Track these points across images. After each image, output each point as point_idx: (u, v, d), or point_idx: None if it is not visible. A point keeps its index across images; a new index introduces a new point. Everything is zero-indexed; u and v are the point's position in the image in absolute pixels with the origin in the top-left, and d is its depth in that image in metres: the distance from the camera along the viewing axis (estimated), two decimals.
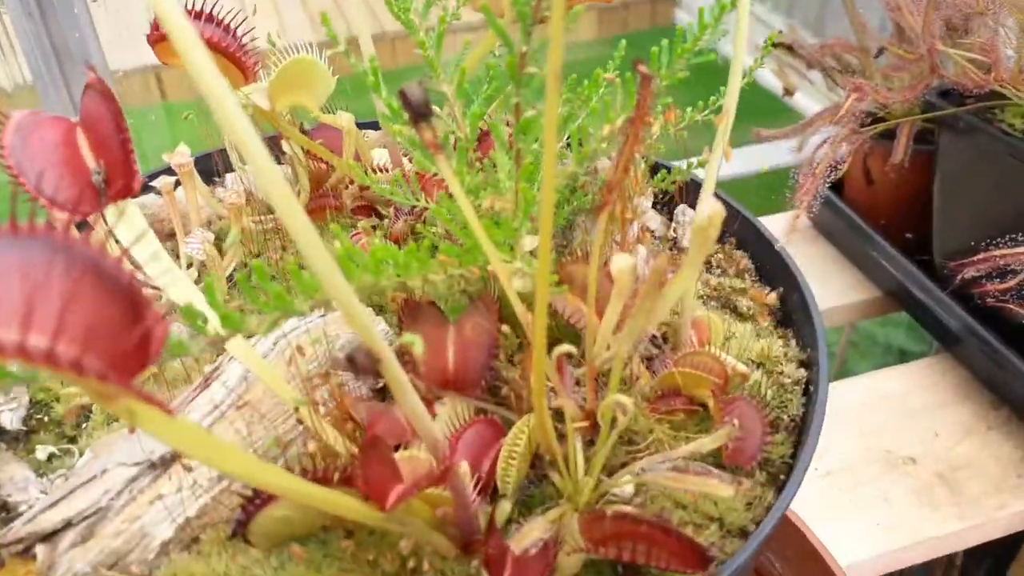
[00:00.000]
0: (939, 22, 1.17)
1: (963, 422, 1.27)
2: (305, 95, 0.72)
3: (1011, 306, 0.97)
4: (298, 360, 0.59)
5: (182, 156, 0.78)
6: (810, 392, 0.63)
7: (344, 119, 0.79)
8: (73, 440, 0.64)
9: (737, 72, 0.58)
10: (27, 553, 0.52)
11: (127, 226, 0.53)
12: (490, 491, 0.54)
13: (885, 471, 1.22)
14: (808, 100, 2.12)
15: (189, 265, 0.78)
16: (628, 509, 0.51)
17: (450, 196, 0.59)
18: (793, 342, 0.71)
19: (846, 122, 1.14)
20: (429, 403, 0.56)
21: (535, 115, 0.52)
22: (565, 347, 0.49)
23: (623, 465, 0.55)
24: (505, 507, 0.53)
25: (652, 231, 0.87)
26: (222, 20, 0.67)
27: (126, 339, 0.31)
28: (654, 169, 0.79)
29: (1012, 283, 0.95)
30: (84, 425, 0.65)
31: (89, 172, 0.52)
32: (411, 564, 0.50)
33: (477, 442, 0.55)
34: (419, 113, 0.48)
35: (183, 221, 0.81)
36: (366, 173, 0.72)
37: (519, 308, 0.54)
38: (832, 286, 1.55)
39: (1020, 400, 1.23)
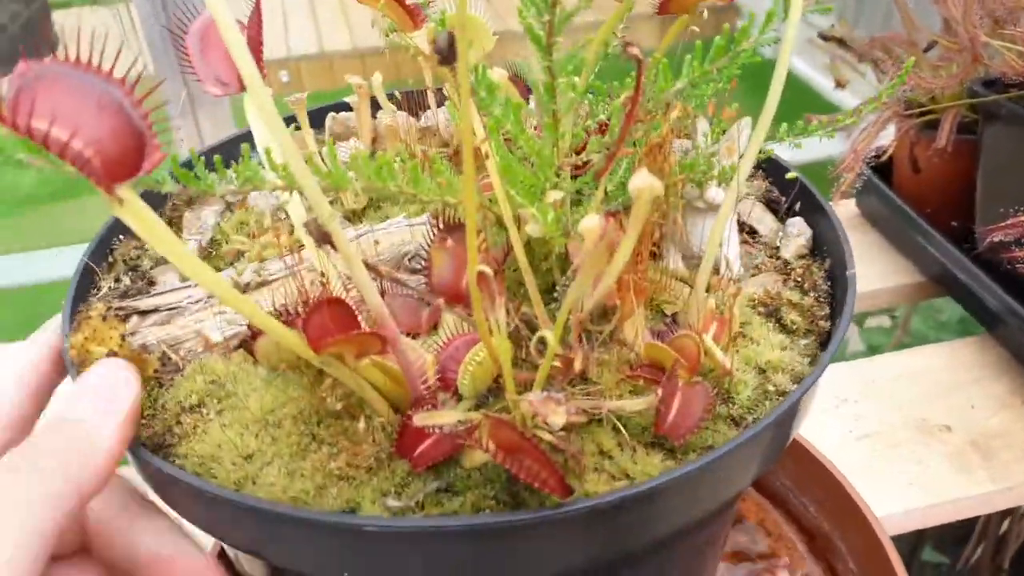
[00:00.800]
0: (981, 14, 1.24)
1: (999, 396, 1.33)
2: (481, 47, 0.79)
3: None
4: (376, 249, 0.73)
5: (358, 79, 0.91)
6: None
7: (497, 73, 0.87)
8: (220, 271, 0.79)
9: (781, 74, 0.63)
10: (126, 319, 0.72)
11: (255, 104, 0.68)
12: (456, 391, 0.61)
13: (920, 437, 1.28)
14: (856, 99, 2.18)
15: None
16: (518, 426, 0.54)
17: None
18: (807, 360, 0.70)
19: (888, 105, 1.21)
20: (437, 310, 0.65)
21: (556, 83, 0.62)
22: (482, 267, 0.53)
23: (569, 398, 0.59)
24: (461, 404, 0.60)
25: (754, 232, 0.87)
26: None
27: (120, 151, 0.45)
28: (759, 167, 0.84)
29: None
30: (235, 263, 0.80)
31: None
32: (348, 406, 0.61)
33: (463, 348, 0.61)
34: (444, 58, 0.57)
35: (360, 133, 0.95)
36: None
37: (519, 247, 0.61)
38: (878, 270, 1.62)
39: None
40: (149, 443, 0.62)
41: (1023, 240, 1.02)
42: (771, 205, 0.89)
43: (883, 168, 1.66)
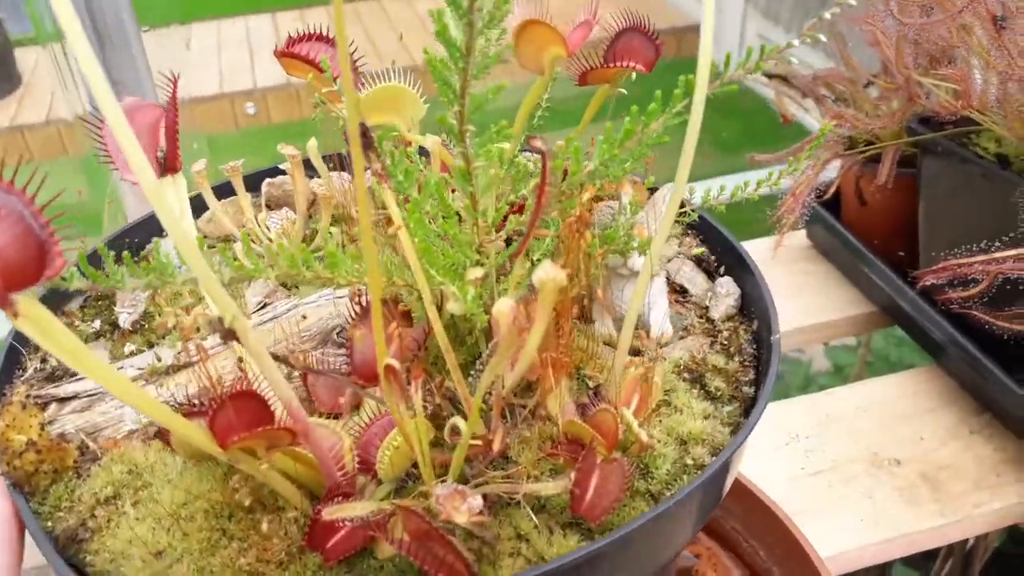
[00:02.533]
0: (916, 55, 1.28)
1: (947, 426, 1.35)
2: (395, 116, 0.77)
3: (976, 313, 1.06)
4: (301, 323, 0.75)
5: (292, 149, 0.92)
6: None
7: (431, 140, 0.87)
8: (152, 345, 0.80)
9: (689, 152, 0.61)
10: (46, 406, 0.72)
11: (174, 192, 0.69)
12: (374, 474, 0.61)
13: (871, 471, 1.30)
14: (817, 124, 2.22)
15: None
16: (421, 511, 0.54)
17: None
18: (729, 429, 0.70)
19: (829, 144, 1.24)
20: (356, 393, 0.65)
21: (472, 168, 0.63)
22: (390, 360, 0.52)
23: (486, 483, 0.61)
24: (380, 489, 0.61)
25: (685, 291, 0.87)
26: (332, 40, 0.76)
27: (20, 261, 0.45)
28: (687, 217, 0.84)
29: (974, 291, 1.04)
30: (166, 336, 0.81)
31: (158, 150, 0.69)
32: (261, 498, 0.61)
33: (380, 433, 0.61)
34: (364, 144, 0.58)
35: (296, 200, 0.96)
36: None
37: (438, 327, 0.61)
38: (830, 301, 1.64)
39: (1000, 406, 1.31)
40: (63, 538, 0.62)
41: (955, 282, 1.04)
42: (703, 264, 0.90)
43: (831, 199, 1.68)
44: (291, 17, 5.92)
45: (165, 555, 0.60)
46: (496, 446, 0.58)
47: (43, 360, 0.78)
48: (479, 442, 0.60)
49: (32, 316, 0.47)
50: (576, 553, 0.54)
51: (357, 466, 0.59)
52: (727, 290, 0.83)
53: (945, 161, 1.33)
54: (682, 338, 0.80)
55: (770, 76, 1.63)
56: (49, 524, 0.64)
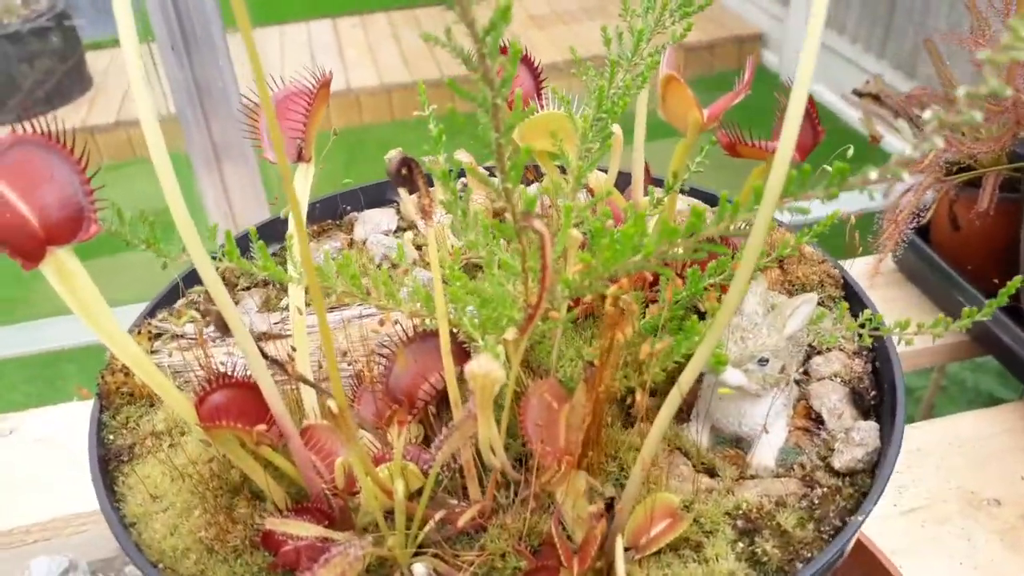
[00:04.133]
0: (1021, 76, 1.22)
1: None
2: (549, 143, 0.77)
3: None
4: (378, 328, 0.77)
5: (466, 155, 0.92)
6: None
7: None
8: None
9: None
10: (157, 337, 0.78)
11: (302, 176, 0.70)
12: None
13: (968, 511, 1.24)
14: (901, 143, 2.15)
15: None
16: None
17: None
18: None
19: (930, 171, 1.19)
20: (395, 412, 0.62)
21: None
22: (332, 403, 0.51)
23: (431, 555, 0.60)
24: (362, 516, 0.61)
25: (822, 421, 0.73)
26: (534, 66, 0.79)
27: (62, 219, 0.50)
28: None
29: None
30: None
31: (297, 136, 0.70)
32: (251, 487, 0.64)
33: (382, 461, 0.61)
34: (398, 182, 0.57)
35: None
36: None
37: (450, 373, 0.61)
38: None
39: None
40: (113, 451, 0.70)
41: None
42: (858, 397, 0.76)
43: (920, 224, 1.63)
44: (351, 23, 5.99)
45: (160, 501, 0.65)
46: (461, 522, 0.56)
47: (192, 302, 0.84)
48: (463, 510, 0.58)
49: (59, 267, 0.51)
50: None
51: (349, 485, 0.59)
52: (862, 439, 0.70)
53: None
54: (777, 476, 0.69)
55: (860, 95, 1.57)
56: (111, 437, 0.71)
